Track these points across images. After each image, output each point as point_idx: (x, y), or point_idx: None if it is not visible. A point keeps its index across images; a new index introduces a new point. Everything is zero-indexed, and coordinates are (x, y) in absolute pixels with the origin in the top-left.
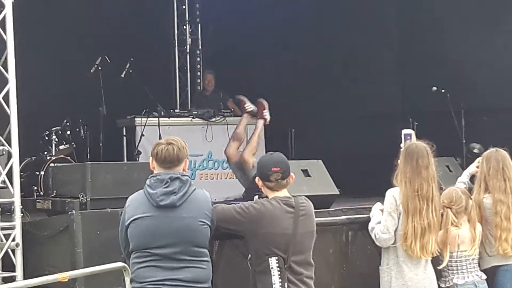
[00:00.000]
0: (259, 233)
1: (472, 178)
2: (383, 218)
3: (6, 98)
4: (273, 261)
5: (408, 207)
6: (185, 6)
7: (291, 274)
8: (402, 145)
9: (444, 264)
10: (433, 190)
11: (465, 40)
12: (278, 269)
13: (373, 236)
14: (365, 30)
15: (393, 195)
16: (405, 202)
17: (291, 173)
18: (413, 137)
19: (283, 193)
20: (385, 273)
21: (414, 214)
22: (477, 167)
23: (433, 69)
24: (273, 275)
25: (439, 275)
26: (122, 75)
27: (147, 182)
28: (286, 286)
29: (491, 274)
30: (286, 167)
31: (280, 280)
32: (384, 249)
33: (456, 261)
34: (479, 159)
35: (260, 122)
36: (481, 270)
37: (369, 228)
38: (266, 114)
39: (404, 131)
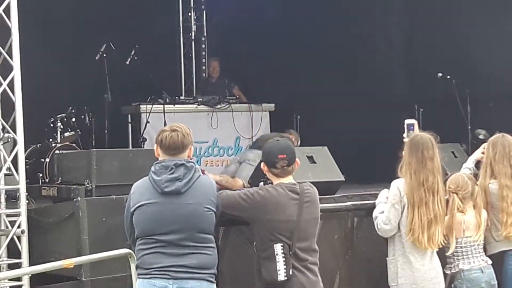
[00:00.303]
0: (264, 219)
1: (478, 164)
2: (386, 209)
3: (11, 85)
4: (278, 248)
5: (413, 199)
6: None
7: (296, 261)
8: (404, 135)
9: (451, 251)
10: (438, 182)
11: (472, 26)
12: (283, 255)
13: (375, 226)
14: (371, 16)
15: (398, 186)
16: (410, 194)
17: (297, 159)
18: (416, 127)
19: (288, 179)
20: (391, 264)
21: (420, 206)
22: (483, 153)
23: (439, 55)
24: (278, 261)
25: (444, 262)
26: (127, 62)
27: (152, 168)
28: (291, 272)
29: (499, 259)
30: (292, 154)
31: (285, 266)
32: (390, 239)
33: (461, 247)
34: (484, 145)
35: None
36: (488, 256)
37: (373, 216)
38: None
39: (407, 121)
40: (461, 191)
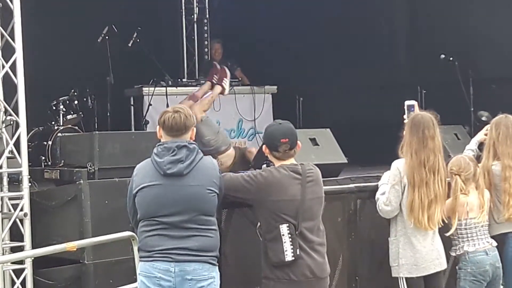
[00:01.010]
0: (268, 201)
1: (480, 145)
2: (387, 190)
3: (13, 67)
4: (284, 228)
5: (414, 179)
6: None
7: (303, 241)
8: (405, 116)
9: (451, 231)
10: (439, 161)
11: (474, 8)
12: (290, 235)
13: (377, 207)
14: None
15: (398, 167)
16: (411, 174)
17: (298, 142)
18: (416, 108)
19: (290, 161)
20: (393, 244)
21: (421, 186)
22: (485, 134)
23: (442, 37)
24: (285, 242)
25: (450, 243)
26: (129, 45)
27: (154, 150)
28: (298, 252)
29: (500, 241)
30: (294, 137)
31: (292, 246)
32: (392, 220)
33: (465, 229)
34: (487, 126)
35: (218, 89)
36: (490, 237)
37: (376, 197)
38: (226, 83)
39: (407, 102)
40: (463, 173)
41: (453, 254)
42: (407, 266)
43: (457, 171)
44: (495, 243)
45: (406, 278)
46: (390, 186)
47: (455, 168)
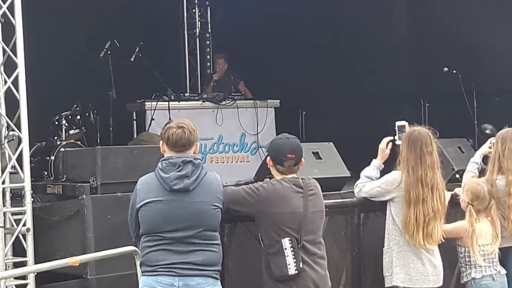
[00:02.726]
0: (270, 213)
1: (485, 158)
2: (375, 185)
3: (15, 83)
4: (286, 242)
5: (409, 197)
6: None
7: (305, 254)
8: (396, 137)
9: (477, 258)
10: (437, 177)
11: (477, 20)
12: (292, 249)
13: (357, 185)
14: (376, 11)
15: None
16: (407, 190)
17: (302, 159)
18: (407, 128)
19: (292, 175)
20: (386, 254)
21: (416, 203)
22: (490, 147)
23: (445, 50)
24: (287, 256)
25: (450, 262)
26: (132, 59)
27: (159, 165)
28: (301, 266)
29: (503, 255)
30: (300, 154)
31: (295, 260)
32: (386, 230)
33: (473, 256)
34: (491, 139)
35: None
36: None
37: (362, 178)
38: None
39: (398, 123)
40: (478, 204)
41: (462, 281)
42: (400, 274)
43: (471, 200)
44: (504, 271)
45: None
46: (380, 184)
47: (471, 196)
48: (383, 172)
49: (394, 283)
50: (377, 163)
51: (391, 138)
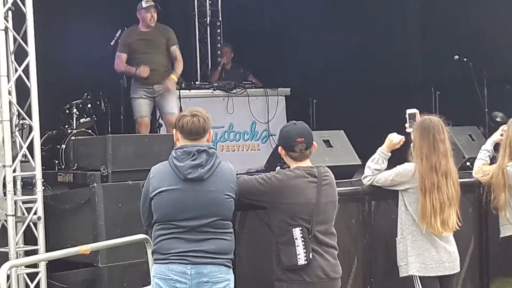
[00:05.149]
0: (282, 203)
1: (496, 146)
2: (389, 176)
3: (26, 71)
4: (297, 232)
5: (425, 185)
6: None
7: (316, 244)
8: (407, 125)
9: None
10: (451, 164)
11: (488, 8)
12: (303, 239)
13: (368, 173)
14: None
15: (410, 169)
16: (422, 179)
17: (314, 142)
18: (418, 116)
19: (306, 163)
20: (400, 243)
21: (432, 191)
22: (501, 135)
23: (456, 37)
24: (297, 246)
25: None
26: (112, 43)
27: (173, 154)
28: (311, 256)
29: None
30: (310, 137)
31: (305, 250)
32: (399, 220)
33: None
34: (503, 127)
35: None
36: (503, 238)
37: (371, 168)
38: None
39: (409, 111)
40: None
41: None
42: (415, 263)
43: None
44: None
45: (420, 278)
46: (393, 175)
47: None
48: (392, 160)
49: (410, 273)
50: (384, 154)
51: (403, 137)
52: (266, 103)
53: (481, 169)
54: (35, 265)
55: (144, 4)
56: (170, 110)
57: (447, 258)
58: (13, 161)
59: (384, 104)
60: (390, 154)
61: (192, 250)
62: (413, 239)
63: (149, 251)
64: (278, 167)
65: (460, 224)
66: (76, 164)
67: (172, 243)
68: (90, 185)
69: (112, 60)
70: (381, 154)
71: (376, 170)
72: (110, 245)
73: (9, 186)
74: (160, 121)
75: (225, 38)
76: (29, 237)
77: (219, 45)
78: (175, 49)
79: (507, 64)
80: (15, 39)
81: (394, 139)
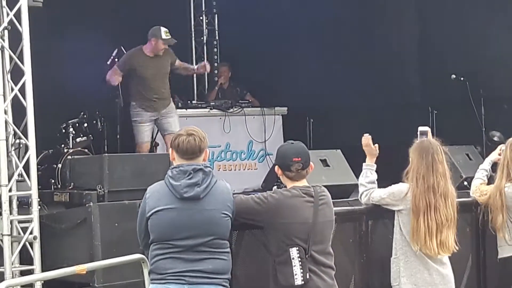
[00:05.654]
0: (279, 223)
1: (494, 166)
2: (383, 194)
3: (22, 90)
4: (294, 252)
5: (417, 206)
6: None
7: (313, 264)
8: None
9: None
10: (449, 186)
11: (485, 27)
12: (299, 259)
13: (363, 193)
14: (384, 18)
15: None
16: (416, 200)
17: (311, 163)
18: (429, 134)
19: (302, 182)
20: (394, 263)
21: (426, 211)
22: (499, 154)
23: (452, 56)
24: (294, 266)
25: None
26: (108, 63)
27: (169, 173)
28: (307, 276)
29: (511, 263)
30: (306, 157)
31: (302, 270)
32: (394, 240)
33: None
34: (501, 146)
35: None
36: (500, 259)
37: (366, 187)
38: None
39: (421, 128)
40: None
41: None
42: (408, 285)
43: None
44: None
45: None
46: (386, 195)
47: None
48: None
49: None
50: (369, 166)
51: (368, 134)
52: (263, 122)
53: (479, 189)
54: (31, 285)
55: (163, 36)
56: (174, 129)
57: (440, 281)
58: (9, 180)
59: (382, 123)
60: (374, 164)
61: (189, 270)
62: (406, 259)
63: (146, 271)
64: (275, 187)
65: (457, 247)
66: (72, 184)
67: (169, 263)
68: (87, 205)
69: None
70: (366, 167)
71: (369, 183)
72: (106, 265)
73: (5, 206)
74: (157, 140)
75: (222, 57)
76: (25, 257)
77: (216, 64)
78: (178, 62)
79: (504, 83)
80: (11, 58)
81: (365, 141)
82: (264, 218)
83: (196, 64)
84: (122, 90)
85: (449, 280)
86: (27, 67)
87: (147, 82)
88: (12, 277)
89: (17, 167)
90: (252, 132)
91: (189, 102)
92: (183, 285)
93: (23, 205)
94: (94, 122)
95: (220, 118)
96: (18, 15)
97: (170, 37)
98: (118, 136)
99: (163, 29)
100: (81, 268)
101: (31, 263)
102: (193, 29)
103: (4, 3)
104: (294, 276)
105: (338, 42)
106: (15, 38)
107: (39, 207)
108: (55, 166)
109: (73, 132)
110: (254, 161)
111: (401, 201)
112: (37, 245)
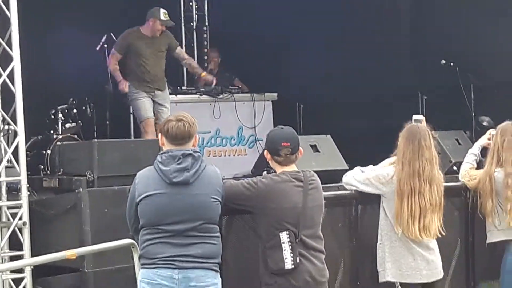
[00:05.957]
0: (269, 208)
1: (483, 150)
2: (369, 176)
3: (11, 76)
4: (284, 236)
5: (402, 189)
6: None
7: (303, 248)
8: None
9: None
10: (435, 171)
11: (476, 13)
12: (290, 243)
13: (348, 176)
14: (375, 5)
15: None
16: (400, 183)
17: (300, 148)
18: (424, 123)
19: (292, 167)
20: (379, 249)
21: (410, 195)
22: (489, 139)
23: (442, 42)
24: (284, 250)
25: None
26: (97, 48)
27: (158, 158)
28: (298, 260)
29: (500, 248)
30: (296, 142)
31: (292, 254)
32: (379, 225)
33: None
34: (490, 131)
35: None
36: (489, 244)
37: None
38: None
39: (415, 117)
40: None
41: None
42: (392, 270)
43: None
44: None
45: (401, 284)
46: (371, 178)
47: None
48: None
49: (387, 278)
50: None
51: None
52: (253, 108)
53: (468, 173)
54: (20, 270)
55: (162, 17)
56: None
57: (424, 266)
58: None
59: (371, 109)
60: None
61: (179, 254)
62: (391, 245)
63: (135, 256)
64: (265, 172)
65: (443, 232)
66: (61, 170)
67: (158, 247)
68: (76, 191)
69: (97, 65)
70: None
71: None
72: (96, 250)
73: None
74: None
75: (212, 43)
76: (14, 243)
77: (205, 50)
78: (180, 50)
79: (493, 68)
80: None
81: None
82: (254, 203)
83: (186, 49)
84: (111, 76)
85: (435, 266)
86: (15, 53)
87: (144, 60)
88: (2, 262)
89: (6, 153)
90: (242, 118)
91: (178, 88)
92: (173, 270)
93: (12, 191)
94: (84, 108)
95: (210, 104)
96: (6, 1)
97: (168, 18)
98: (107, 122)
99: (162, 10)
100: (71, 253)
101: (21, 249)
102: (183, 15)
103: None
104: (284, 260)
105: (329, 28)
106: (3, 24)
107: (29, 193)
108: (44, 152)
109: (62, 118)
110: (244, 146)
111: (384, 184)
112: (26, 231)
